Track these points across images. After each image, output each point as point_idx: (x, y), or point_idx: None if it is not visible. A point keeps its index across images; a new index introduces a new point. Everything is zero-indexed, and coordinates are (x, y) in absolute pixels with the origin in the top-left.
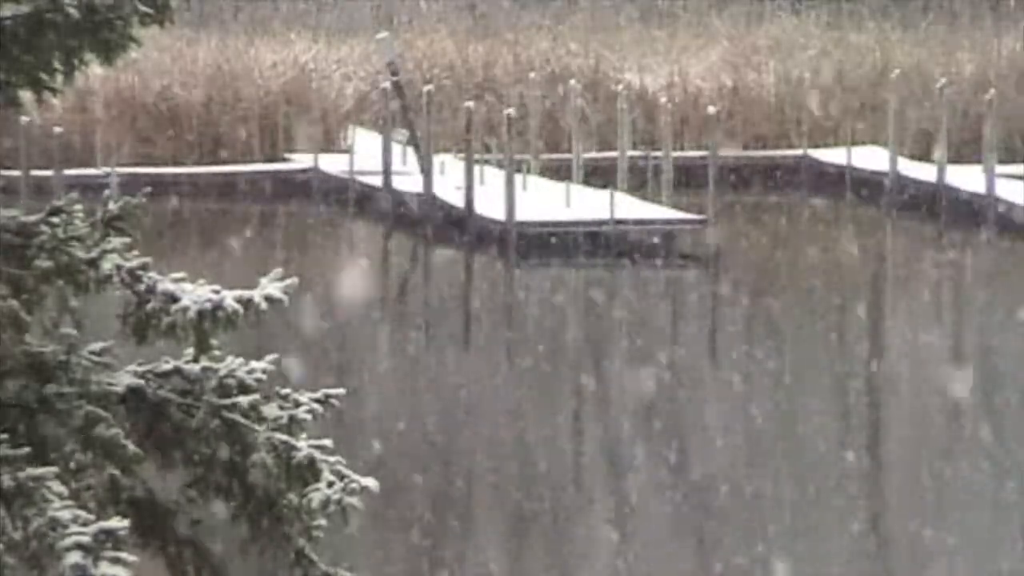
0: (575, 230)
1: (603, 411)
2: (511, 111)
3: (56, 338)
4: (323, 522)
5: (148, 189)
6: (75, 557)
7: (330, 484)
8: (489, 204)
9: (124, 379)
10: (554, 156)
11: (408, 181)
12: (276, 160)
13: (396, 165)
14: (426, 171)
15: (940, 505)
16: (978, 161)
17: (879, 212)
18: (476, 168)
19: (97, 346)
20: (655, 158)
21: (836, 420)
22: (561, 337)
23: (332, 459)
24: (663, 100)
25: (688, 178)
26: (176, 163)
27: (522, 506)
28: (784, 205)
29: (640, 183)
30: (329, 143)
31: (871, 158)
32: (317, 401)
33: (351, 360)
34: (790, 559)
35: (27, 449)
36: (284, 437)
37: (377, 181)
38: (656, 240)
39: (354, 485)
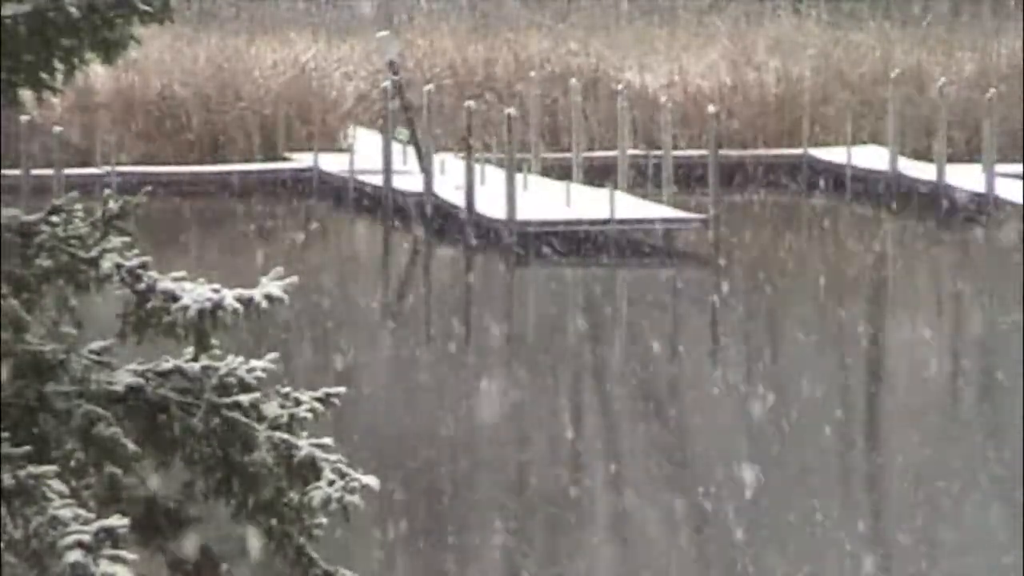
0: (575, 229)
1: (603, 409)
2: (511, 110)
3: (56, 337)
4: (324, 520)
5: (148, 188)
6: (75, 555)
7: (331, 482)
8: (489, 203)
9: (124, 378)
10: (554, 155)
11: (408, 180)
12: (276, 159)
13: (396, 164)
14: (426, 170)
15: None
16: (978, 160)
17: (879, 211)
18: (476, 167)
19: (97, 345)
20: (655, 157)
21: (836, 418)
22: (562, 336)
23: (333, 457)
24: (663, 99)
25: (688, 177)
26: (176, 162)
27: (522, 504)
28: (784, 204)
29: (640, 182)
30: (329, 142)
31: (871, 157)
32: (318, 400)
33: (352, 359)
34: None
35: (27, 448)
36: (285, 436)
37: (377, 180)
38: (656, 239)
39: (355, 483)
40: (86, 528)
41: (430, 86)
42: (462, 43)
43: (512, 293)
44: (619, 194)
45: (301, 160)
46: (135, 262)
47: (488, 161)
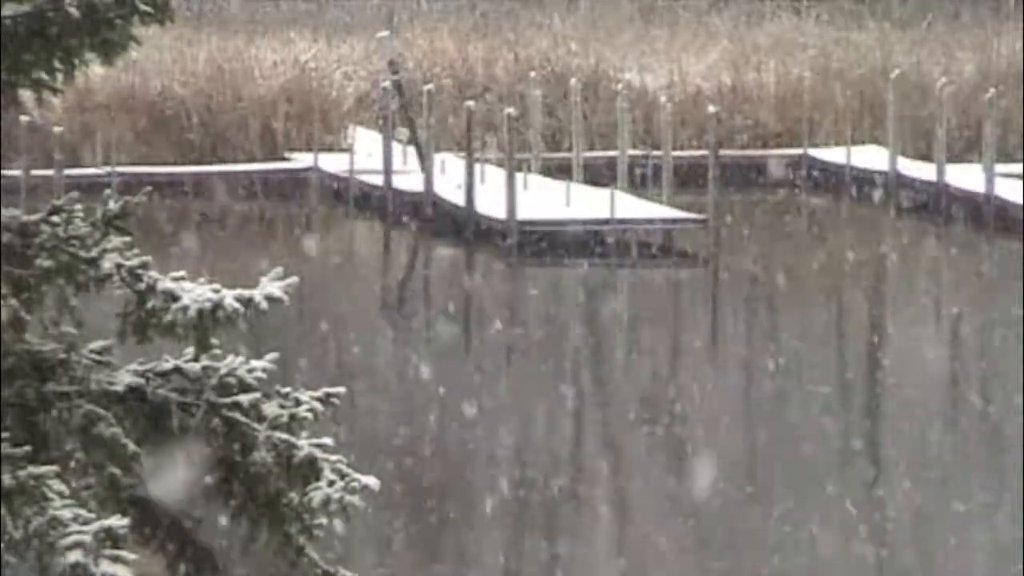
0: (575, 229)
1: (603, 410)
2: (511, 110)
3: (56, 337)
4: (324, 521)
5: (148, 189)
6: (76, 556)
7: (331, 483)
8: (490, 203)
9: (124, 378)
10: (554, 155)
11: (408, 180)
12: (276, 159)
13: (396, 164)
14: (426, 170)
15: None
16: (978, 160)
17: (878, 211)
18: (476, 167)
19: (97, 345)
20: (655, 158)
21: (835, 417)
22: (561, 336)
23: (333, 458)
24: (663, 100)
25: (688, 178)
26: (176, 162)
27: (521, 505)
28: (784, 204)
29: (640, 182)
30: (330, 142)
31: (871, 157)
32: (318, 400)
33: (353, 359)
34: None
35: (27, 448)
36: (285, 436)
37: (378, 180)
38: (656, 240)
39: (355, 484)
40: (86, 528)
41: (430, 86)
42: (462, 43)
43: (512, 293)
44: (619, 194)
45: (301, 160)
46: (135, 262)
47: (488, 161)
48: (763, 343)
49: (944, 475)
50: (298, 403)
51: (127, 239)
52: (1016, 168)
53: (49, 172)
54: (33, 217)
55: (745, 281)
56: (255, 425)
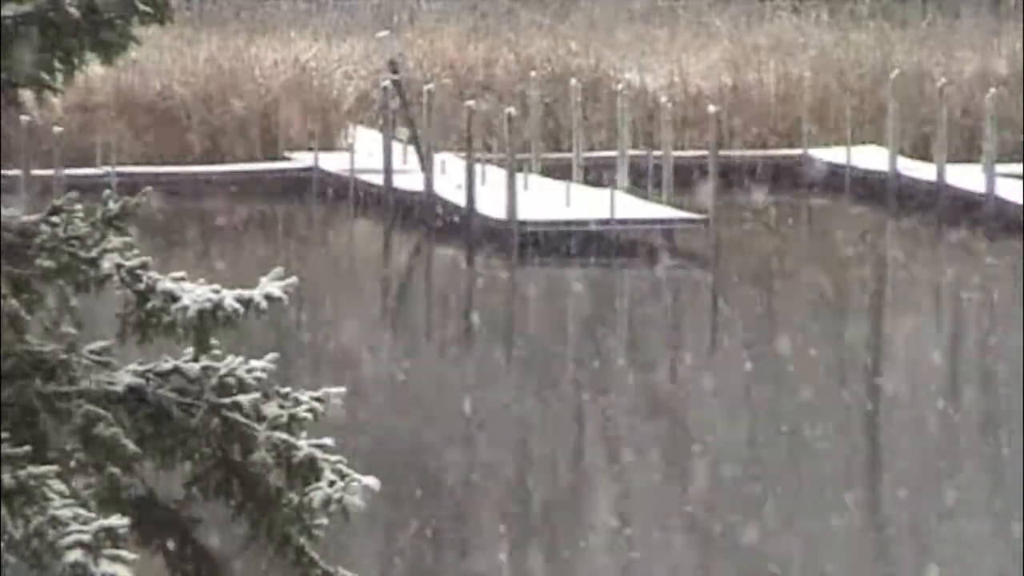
0: (575, 229)
1: (603, 410)
2: (511, 110)
3: (56, 337)
4: (324, 521)
5: (148, 189)
6: (76, 555)
7: (331, 483)
8: (490, 203)
9: (124, 378)
10: (554, 155)
11: (408, 180)
12: (276, 159)
13: (396, 164)
14: (427, 170)
15: None
16: (978, 160)
17: (878, 211)
18: (477, 167)
19: (97, 345)
20: (655, 158)
21: (835, 417)
22: (562, 336)
23: (333, 458)
24: (663, 100)
25: (688, 178)
26: (176, 162)
27: (522, 505)
28: (784, 205)
29: (640, 182)
30: (330, 142)
31: (871, 158)
32: (317, 400)
33: (353, 359)
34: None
35: (27, 448)
36: (284, 436)
37: (377, 180)
38: (656, 240)
39: (355, 484)
40: (86, 528)
41: (430, 86)
42: (462, 43)
43: (512, 293)
44: (619, 194)
45: (301, 160)
46: (135, 262)
47: (488, 161)
48: (763, 343)
49: (936, 466)
50: (297, 403)
51: (127, 239)
52: (1016, 168)
53: (49, 172)
54: (33, 217)
55: (745, 281)
56: (255, 425)
